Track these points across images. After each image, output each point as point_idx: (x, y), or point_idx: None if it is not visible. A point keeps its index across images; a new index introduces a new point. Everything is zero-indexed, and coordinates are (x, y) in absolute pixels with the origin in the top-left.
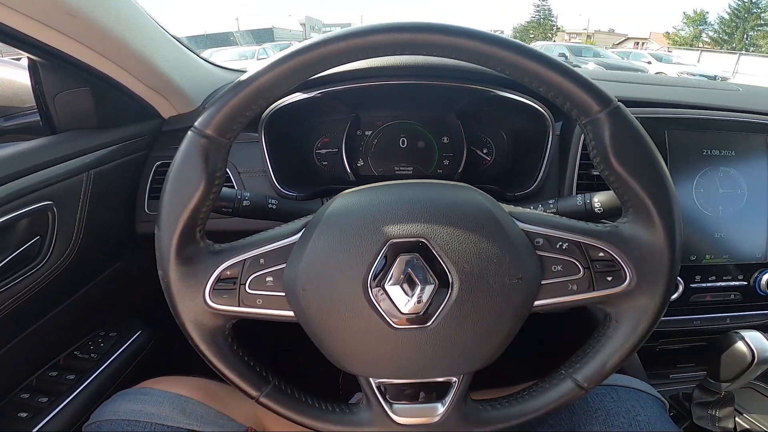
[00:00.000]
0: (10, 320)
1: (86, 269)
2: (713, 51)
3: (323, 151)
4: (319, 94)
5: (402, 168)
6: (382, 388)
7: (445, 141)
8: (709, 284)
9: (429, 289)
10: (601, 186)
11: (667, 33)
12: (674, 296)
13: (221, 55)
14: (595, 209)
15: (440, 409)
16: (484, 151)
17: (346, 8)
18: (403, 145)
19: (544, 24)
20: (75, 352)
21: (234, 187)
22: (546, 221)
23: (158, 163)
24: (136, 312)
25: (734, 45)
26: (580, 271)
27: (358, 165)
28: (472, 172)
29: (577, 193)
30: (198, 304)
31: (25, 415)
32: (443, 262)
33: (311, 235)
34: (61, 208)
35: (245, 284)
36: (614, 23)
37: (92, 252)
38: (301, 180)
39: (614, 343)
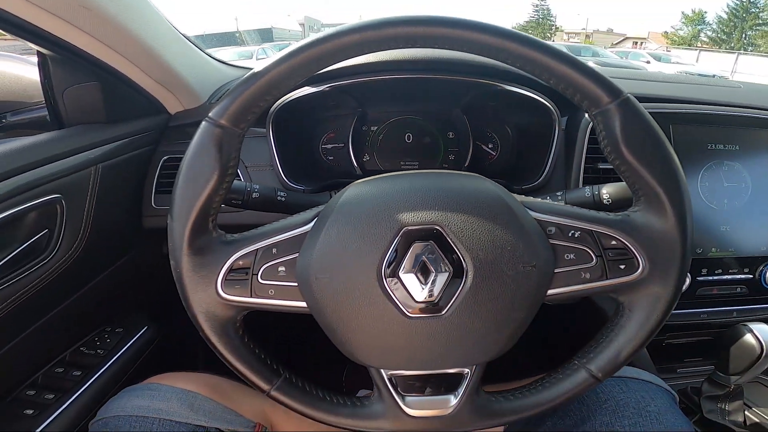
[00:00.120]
0: (17, 315)
1: (93, 264)
2: (712, 51)
3: (329, 146)
4: (327, 88)
5: (408, 163)
6: (394, 381)
7: (451, 136)
8: (715, 277)
9: (443, 277)
10: (607, 179)
11: (666, 33)
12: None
13: (220, 55)
14: (604, 200)
15: (453, 401)
16: (489, 146)
17: (346, 8)
18: (408, 140)
19: (542, 24)
20: (81, 348)
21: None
22: (557, 210)
23: (165, 157)
24: (142, 307)
25: (732, 45)
26: (592, 260)
27: (364, 160)
28: (478, 167)
29: (583, 186)
30: (210, 294)
31: (30, 412)
32: (458, 249)
33: (324, 224)
34: (70, 201)
35: (258, 274)
36: (613, 23)
37: (99, 246)
38: (308, 174)
39: (628, 333)
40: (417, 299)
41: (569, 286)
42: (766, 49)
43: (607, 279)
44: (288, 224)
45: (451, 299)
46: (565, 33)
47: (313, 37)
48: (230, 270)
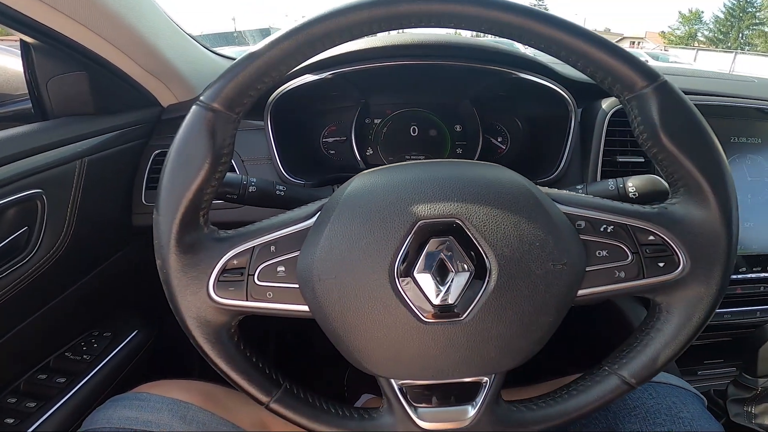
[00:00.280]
0: None
1: (78, 263)
2: (709, 50)
3: (330, 139)
4: (329, 76)
5: (413, 157)
6: (404, 390)
7: (458, 129)
8: (739, 276)
9: (463, 277)
10: (626, 173)
11: (663, 32)
12: None
13: None
14: (630, 193)
15: (471, 411)
16: (499, 140)
17: None
18: (414, 133)
19: None
20: (66, 354)
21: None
22: (587, 203)
23: (156, 152)
24: (132, 310)
25: (729, 44)
26: (628, 257)
27: (368, 154)
28: (486, 160)
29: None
30: (201, 298)
31: (11, 421)
32: (480, 245)
33: (328, 219)
34: (52, 197)
35: (254, 275)
36: (610, 23)
37: (85, 245)
38: (308, 168)
39: (665, 336)
40: (433, 302)
41: (602, 286)
42: (763, 48)
43: (644, 278)
44: (288, 219)
45: (472, 302)
46: None
47: (316, 14)
48: (223, 270)
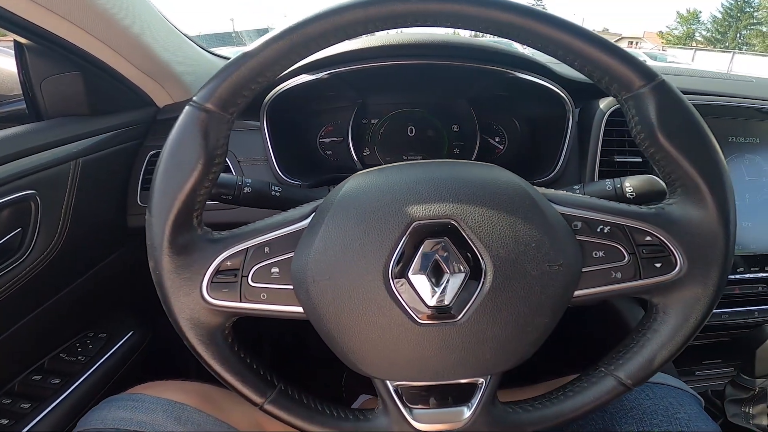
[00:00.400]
0: None
1: (73, 265)
2: (707, 50)
3: (327, 140)
4: (325, 76)
5: (410, 157)
6: (400, 391)
7: (455, 129)
8: (737, 276)
9: (458, 278)
10: (624, 173)
11: (661, 32)
12: None
13: None
14: (627, 194)
15: (466, 413)
16: (496, 140)
17: None
18: (411, 133)
19: None
20: (61, 355)
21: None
22: (583, 203)
23: (152, 152)
24: (128, 311)
25: (727, 44)
26: (624, 257)
27: (365, 154)
28: (484, 161)
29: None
30: (194, 299)
31: (6, 422)
32: (475, 246)
33: (323, 220)
34: (45, 198)
35: (248, 276)
36: (608, 23)
37: (79, 246)
38: (305, 169)
39: (662, 337)
40: (428, 304)
41: (598, 287)
42: (760, 48)
43: (640, 279)
44: (282, 220)
45: (468, 304)
46: None
47: (311, 13)
48: (217, 271)
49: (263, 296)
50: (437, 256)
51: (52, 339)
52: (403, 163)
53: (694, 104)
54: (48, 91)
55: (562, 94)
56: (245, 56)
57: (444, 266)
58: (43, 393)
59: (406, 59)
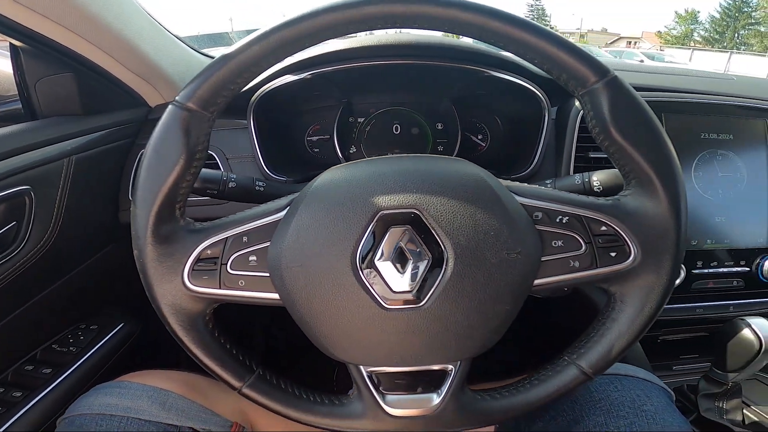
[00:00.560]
0: None
1: (66, 258)
2: (705, 50)
3: (314, 138)
4: (309, 76)
5: (396, 154)
6: (375, 379)
7: (439, 127)
8: (711, 270)
9: (422, 264)
10: (599, 168)
11: (659, 32)
12: (677, 282)
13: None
14: (595, 187)
15: (435, 399)
16: (479, 137)
17: None
18: (396, 131)
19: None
20: (53, 346)
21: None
22: (544, 195)
23: (143, 151)
24: (119, 304)
25: (725, 44)
26: (581, 247)
27: (351, 152)
28: (467, 157)
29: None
30: (176, 286)
31: None
32: (437, 234)
33: (296, 211)
34: (39, 193)
35: (227, 264)
36: (607, 23)
37: (72, 240)
38: (292, 166)
39: (620, 326)
40: (395, 289)
41: (557, 276)
42: (758, 48)
43: (597, 268)
44: (260, 212)
45: (431, 290)
46: (560, 33)
47: (288, 17)
48: (198, 260)
49: (241, 283)
50: (401, 244)
51: (45, 330)
52: (375, 158)
53: (668, 101)
54: (42, 91)
55: (538, 93)
56: (225, 58)
57: (407, 253)
58: (34, 382)
59: (388, 59)
